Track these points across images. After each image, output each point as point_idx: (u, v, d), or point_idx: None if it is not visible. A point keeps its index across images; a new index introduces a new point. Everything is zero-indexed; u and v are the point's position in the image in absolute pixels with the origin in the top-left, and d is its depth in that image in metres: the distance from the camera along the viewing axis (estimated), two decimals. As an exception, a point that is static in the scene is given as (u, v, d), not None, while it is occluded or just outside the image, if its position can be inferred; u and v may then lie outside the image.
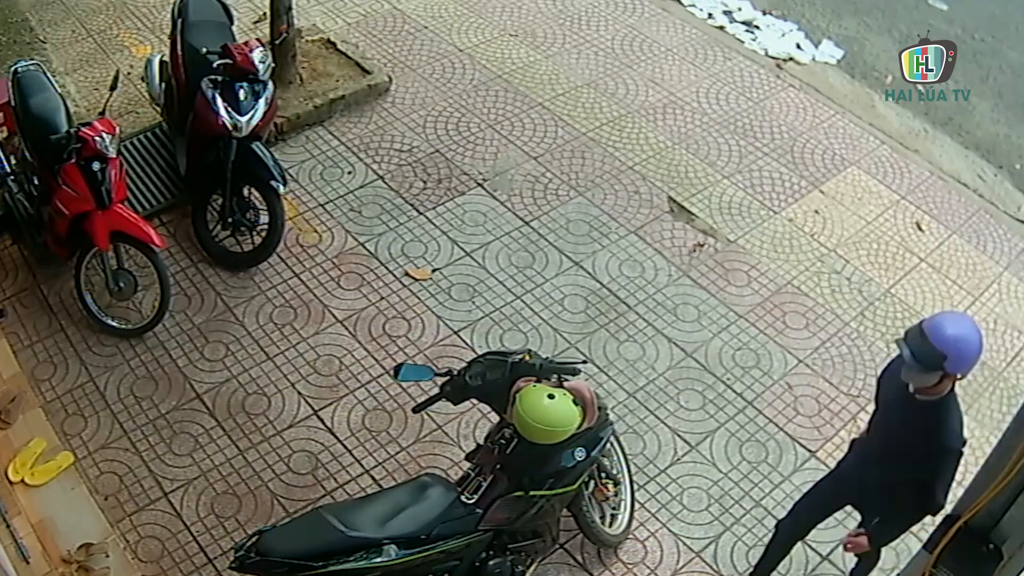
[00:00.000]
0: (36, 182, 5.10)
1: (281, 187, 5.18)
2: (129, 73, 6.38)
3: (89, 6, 7.11)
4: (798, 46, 7.44)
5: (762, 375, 5.06)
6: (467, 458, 3.84)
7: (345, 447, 4.63)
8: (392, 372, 3.99)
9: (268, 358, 4.97)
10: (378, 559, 3.45)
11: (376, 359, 4.99)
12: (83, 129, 4.69)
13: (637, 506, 4.38)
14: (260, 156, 5.19)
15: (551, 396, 3.53)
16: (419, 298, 5.30)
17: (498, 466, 3.65)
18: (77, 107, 6.05)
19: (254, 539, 3.47)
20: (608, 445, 4.02)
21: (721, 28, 7.56)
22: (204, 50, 5.27)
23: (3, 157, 5.19)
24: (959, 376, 3.15)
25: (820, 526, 4.42)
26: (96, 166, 4.69)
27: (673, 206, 5.93)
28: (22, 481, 4.38)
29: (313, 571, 3.42)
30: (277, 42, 5.94)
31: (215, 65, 5.15)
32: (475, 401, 4.02)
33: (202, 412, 4.73)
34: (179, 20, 5.59)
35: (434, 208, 5.79)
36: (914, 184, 6.28)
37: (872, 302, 5.50)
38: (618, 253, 5.62)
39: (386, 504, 3.63)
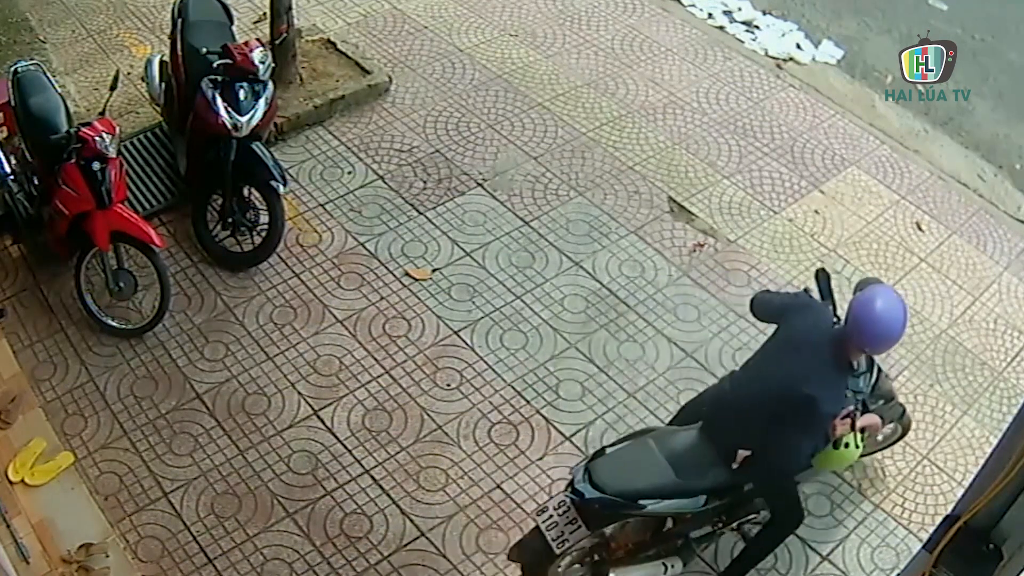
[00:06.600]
0: (36, 182, 5.11)
1: (281, 187, 5.19)
2: (129, 73, 6.38)
3: (89, 6, 7.11)
4: (798, 46, 7.44)
5: (762, 375, 5.06)
6: None
7: (345, 447, 4.63)
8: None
9: (268, 358, 4.97)
10: (687, 507, 3.65)
11: (376, 359, 4.99)
12: (83, 129, 4.69)
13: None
14: (260, 156, 5.19)
15: (847, 445, 3.72)
16: (419, 298, 5.30)
17: None
18: (77, 107, 6.05)
19: (587, 466, 3.60)
20: None
21: (721, 28, 7.55)
22: (204, 50, 5.27)
23: (3, 157, 5.18)
24: None
25: (820, 526, 4.44)
26: (96, 166, 4.69)
27: (673, 206, 5.93)
28: (22, 481, 4.38)
29: (637, 510, 3.62)
30: (277, 42, 5.94)
31: (215, 65, 5.15)
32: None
33: (202, 412, 4.73)
34: (179, 20, 5.59)
35: (434, 208, 5.80)
36: (914, 184, 6.28)
37: (872, 302, 5.49)
38: (618, 253, 5.62)
39: (695, 446, 3.77)
